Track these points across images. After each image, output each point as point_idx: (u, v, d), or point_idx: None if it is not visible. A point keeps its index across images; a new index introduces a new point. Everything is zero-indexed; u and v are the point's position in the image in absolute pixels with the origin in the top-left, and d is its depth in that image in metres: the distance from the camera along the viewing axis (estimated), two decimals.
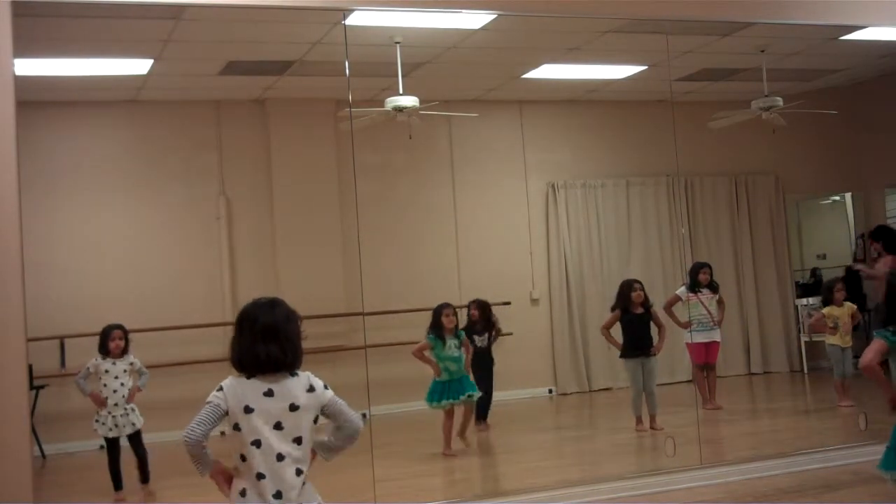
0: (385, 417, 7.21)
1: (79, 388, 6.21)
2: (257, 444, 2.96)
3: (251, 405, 2.97)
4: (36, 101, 7.11)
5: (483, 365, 7.85)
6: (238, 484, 3.01)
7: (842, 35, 7.66)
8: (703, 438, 6.46)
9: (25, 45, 4.98)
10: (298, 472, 2.99)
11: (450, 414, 7.12)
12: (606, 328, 7.73)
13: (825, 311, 7.96)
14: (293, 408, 2.99)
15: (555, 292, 9.96)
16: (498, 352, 8.29)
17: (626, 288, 7.67)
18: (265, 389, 2.98)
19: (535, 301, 9.89)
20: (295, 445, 2.99)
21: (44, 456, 7.42)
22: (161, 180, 8.80)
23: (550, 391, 9.84)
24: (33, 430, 5.47)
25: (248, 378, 3.01)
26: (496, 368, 8.15)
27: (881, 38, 7.52)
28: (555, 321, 9.93)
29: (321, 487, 3.18)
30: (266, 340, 3.00)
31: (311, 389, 3.03)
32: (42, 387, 7.31)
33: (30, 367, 5.01)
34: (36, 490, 4.78)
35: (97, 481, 6.57)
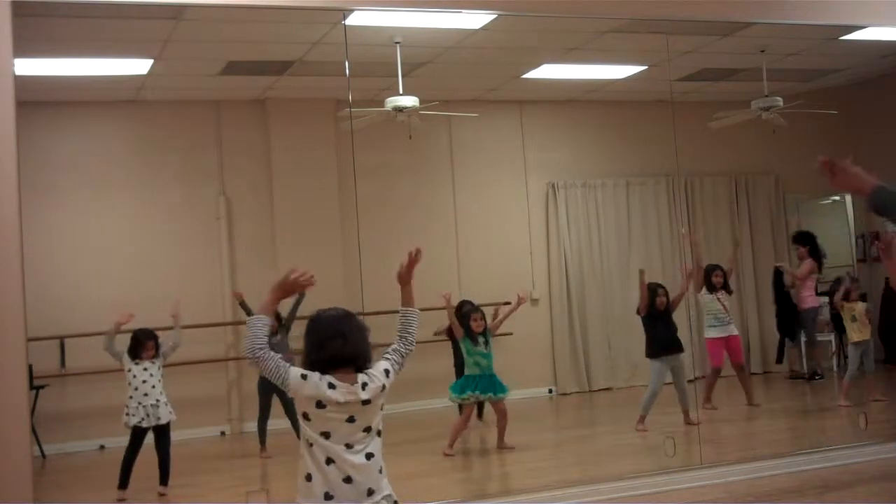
0: (385, 417, 7.19)
1: (108, 348, 6.30)
2: (326, 435, 3.02)
3: (323, 401, 3.03)
4: (36, 101, 7.11)
5: None
6: (303, 468, 3.05)
7: (842, 35, 7.66)
8: (703, 438, 6.46)
9: (25, 45, 4.98)
10: (369, 457, 3.05)
11: (467, 417, 7.15)
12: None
13: (846, 307, 7.98)
14: (365, 402, 3.07)
15: (555, 292, 9.96)
16: (498, 352, 8.28)
17: (652, 294, 7.67)
18: (342, 399, 3.04)
19: (535, 301, 9.88)
20: (364, 434, 3.06)
21: (44, 456, 7.42)
22: (161, 180, 8.80)
23: (550, 391, 9.85)
24: (33, 430, 5.46)
25: (323, 374, 3.07)
26: (494, 369, 8.14)
27: (881, 38, 7.52)
28: (555, 321, 9.94)
29: None
30: (336, 340, 3.11)
31: (369, 381, 3.11)
32: (42, 387, 7.31)
33: (30, 367, 5.01)
34: (36, 490, 4.78)
35: (97, 481, 6.58)
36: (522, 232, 9.92)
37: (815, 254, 9.02)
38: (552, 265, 10.01)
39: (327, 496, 2.98)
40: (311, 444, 3.04)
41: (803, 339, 9.63)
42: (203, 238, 8.88)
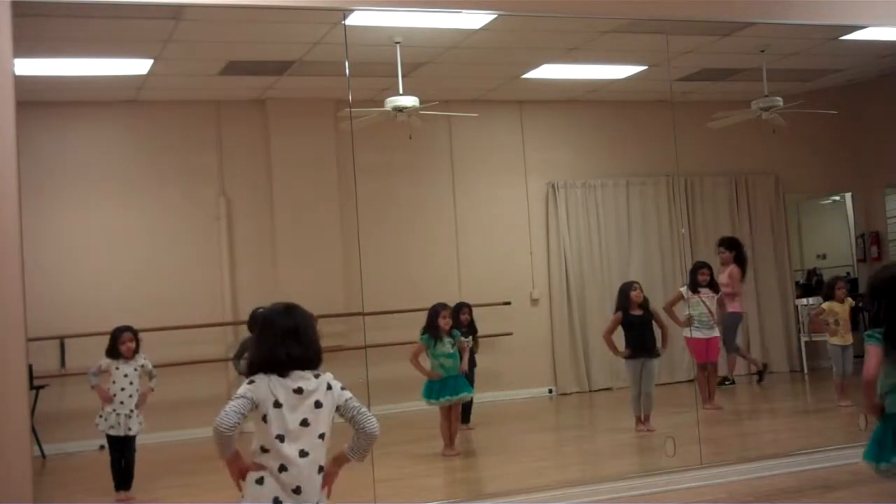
0: (385, 417, 7.14)
1: (90, 382, 6.20)
2: (281, 438, 3.05)
3: (280, 400, 3.06)
4: (36, 101, 7.11)
5: (469, 367, 7.85)
6: (255, 474, 3.08)
7: (842, 35, 7.66)
8: (703, 438, 6.46)
9: (25, 45, 4.98)
10: (320, 470, 3.10)
11: (446, 414, 7.12)
12: (609, 333, 7.63)
13: (825, 305, 7.97)
14: (318, 405, 3.10)
15: (555, 292, 9.96)
16: (498, 352, 8.30)
17: (626, 288, 7.66)
18: (295, 387, 3.08)
19: (535, 301, 9.89)
20: (319, 442, 3.09)
21: (44, 456, 7.42)
22: (161, 180, 8.80)
23: (550, 391, 9.84)
24: (33, 430, 5.46)
25: (279, 376, 3.09)
26: (494, 369, 8.16)
27: (881, 38, 7.52)
28: (555, 321, 9.94)
29: None
30: (287, 342, 3.10)
31: (329, 388, 3.14)
32: (42, 387, 7.30)
33: (30, 367, 5.01)
34: (36, 490, 4.78)
35: (97, 481, 6.57)
36: (522, 232, 9.92)
37: (740, 260, 8.97)
38: (552, 265, 10.01)
39: (276, 501, 3.03)
40: (266, 451, 3.06)
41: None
42: (203, 238, 8.88)
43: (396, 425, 7.97)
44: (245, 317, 7.64)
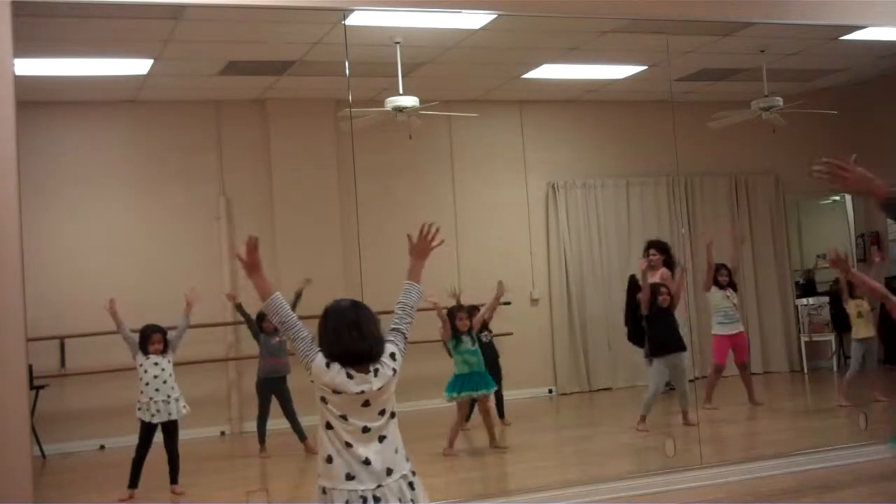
0: None
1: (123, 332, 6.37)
2: (344, 418, 3.11)
3: (339, 388, 3.11)
4: (36, 101, 7.11)
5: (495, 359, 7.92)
6: (323, 450, 3.14)
7: (842, 35, 7.66)
8: (703, 438, 6.46)
9: (25, 45, 4.99)
10: (382, 439, 3.15)
11: (462, 413, 7.15)
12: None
13: (852, 303, 7.95)
14: (378, 389, 3.16)
15: (555, 292, 9.96)
16: (498, 351, 8.29)
17: (653, 293, 7.66)
18: (357, 390, 3.13)
19: (535, 301, 9.89)
20: (379, 416, 3.16)
21: (44, 456, 7.41)
22: (161, 180, 8.80)
23: (550, 391, 9.84)
24: (33, 430, 5.46)
25: (341, 366, 3.14)
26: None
27: (881, 38, 7.52)
28: (555, 321, 9.93)
29: None
30: (351, 334, 3.18)
31: (394, 372, 3.23)
32: (42, 387, 7.30)
33: (30, 367, 5.01)
34: (36, 490, 4.78)
35: (97, 481, 6.57)
36: (522, 232, 9.92)
37: (669, 263, 8.95)
38: (552, 265, 10.01)
39: (348, 476, 3.08)
40: (329, 427, 3.13)
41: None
42: (203, 238, 8.88)
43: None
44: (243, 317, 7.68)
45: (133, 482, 6.22)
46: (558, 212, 10.04)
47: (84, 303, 7.95)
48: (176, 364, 7.07)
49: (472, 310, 7.87)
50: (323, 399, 3.14)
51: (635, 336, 9.01)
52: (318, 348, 3.18)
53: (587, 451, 7.60)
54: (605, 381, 9.83)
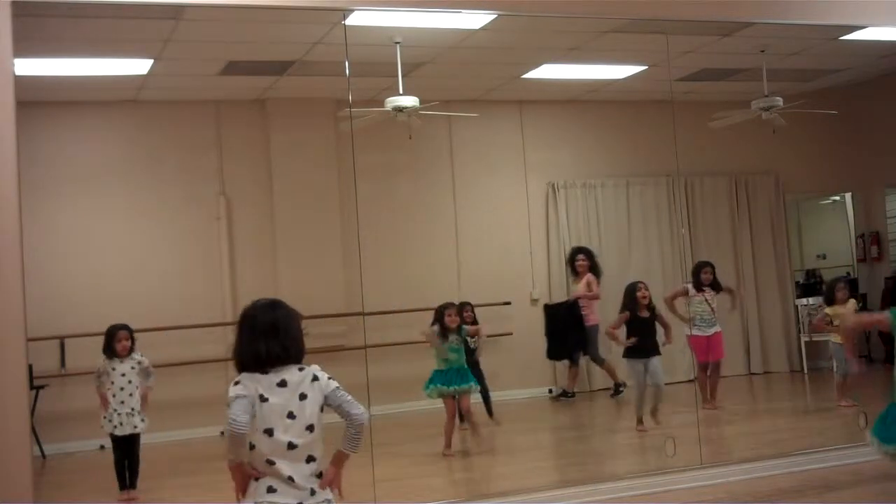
0: (385, 417, 7.20)
1: (94, 384, 6.24)
2: (270, 432, 3.06)
3: (265, 394, 3.07)
4: (36, 101, 7.12)
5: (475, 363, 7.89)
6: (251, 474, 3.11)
7: (842, 35, 7.66)
8: (703, 438, 6.46)
9: (25, 45, 4.98)
10: (309, 459, 3.10)
11: (451, 414, 7.13)
12: (614, 328, 7.68)
13: (828, 310, 7.95)
14: (302, 397, 3.11)
15: (555, 292, 9.96)
16: (498, 352, 8.30)
17: (632, 289, 7.66)
18: (278, 380, 3.10)
19: (535, 301, 9.88)
20: (307, 433, 3.10)
21: (44, 456, 7.42)
22: (161, 180, 8.80)
23: (550, 391, 9.84)
24: (33, 430, 5.47)
25: (262, 373, 3.11)
26: (494, 369, 8.17)
27: (881, 38, 7.52)
28: None
29: None
30: (267, 338, 3.11)
31: (315, 379, 3.15)
32: (42, 387, 7.31)
33: (30, 367, 5.01)
34: (36, 490, 4.78)
35: (97, 481, 6.57)
36: (522, 232, 9.92)
37: (595, 270, 8.92)
38: (552, 265, 10.01)
39: (270, 489, 3.05)
40: (253, 447, 3.08)
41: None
42: (203, 238, 8.88)
43: (396, 425, 7.99)
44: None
45: (122, 484, 6.22)
46: (558, 212, 10.04)
47: (84, 303, 7.97)
48: (176, 364, 7.09)
49: (464, 306, 7.85)
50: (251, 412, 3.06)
51: (554, 352, 9.05)
52: (232, 388, 3.09)
53: (587, 451, 7.60)
54: (604, 382, 9.81)
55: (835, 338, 7.96)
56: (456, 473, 6.82)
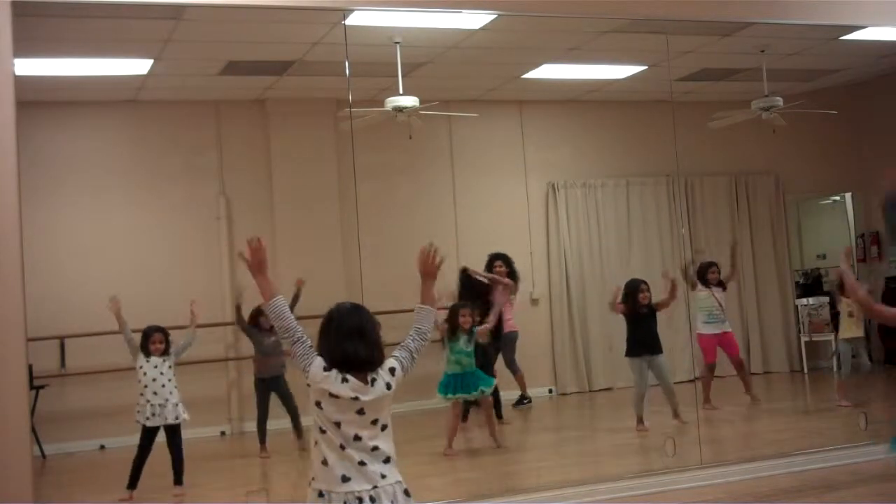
0: None
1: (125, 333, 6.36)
2: (337, 425, 3.12)
3: (335, 392, 3.12)
4: (36, 101, 7.11)
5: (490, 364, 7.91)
6: (318, 454, 3.15)
7: (842, 35, 7.66)
8: (703, 438, 6.46)
9: (25, 45, 4.99)
10: (374, 448, 3.14)
11: (456, 413, 7.14)
12: (614, 302, 7.71)
13: (844, 301, 7.93)
14: (372, 399, 3.16)
15: (555, 292, 9.96)
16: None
17: (634, 288, 7.67)
18: (352, 395, 3.13)
19: (535, 301, 9.88)
20: (372, 426, 3.16)
21: (44, 456, 7.41)
22: (161, 180, 8.80)
23: (550, 391, 9.84)
24: (33, 430, 5.46)
25: (340, 375, 3.15)
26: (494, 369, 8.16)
27: (881, 38, 7.52)
28: (555, 321, 9.94)
29: None
30: (353, 340, 3.18)
31: (388, 388, 3.21)
32: (42, 387, 7.30)
33: (30, 367, 5.01)
34: (36, 490, 4.78)
35: (97, 481, 6.57)
36: (522, 232, 9.91)
37: (513, 276, 8.87)
38: (552, 265, 10.01)
39: (344, 478, 3.09)
40: (323, 431, 3.13)
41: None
42: (203, 238, 8.87)
43: (397, 425, 7.98)
44: (246, 316, 7.68)
45: (132, 483, 6.20)
46: (558, 212, 10.04)
47: (84, 303, 7.96)
48: (176, 364, 7.08)
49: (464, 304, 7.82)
50: (318, 404, 3.14)
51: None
52: (317, 352, 3.19)
53: (587, 451, 7.60)
54: (604, 382, 9.83)
55: (845, 333, 7.92)
56: (456, 473, 6.82)
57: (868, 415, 6.85)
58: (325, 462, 3.11)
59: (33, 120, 6.80)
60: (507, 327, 8.57)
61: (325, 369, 3.14)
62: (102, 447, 6.48)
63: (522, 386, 8.95)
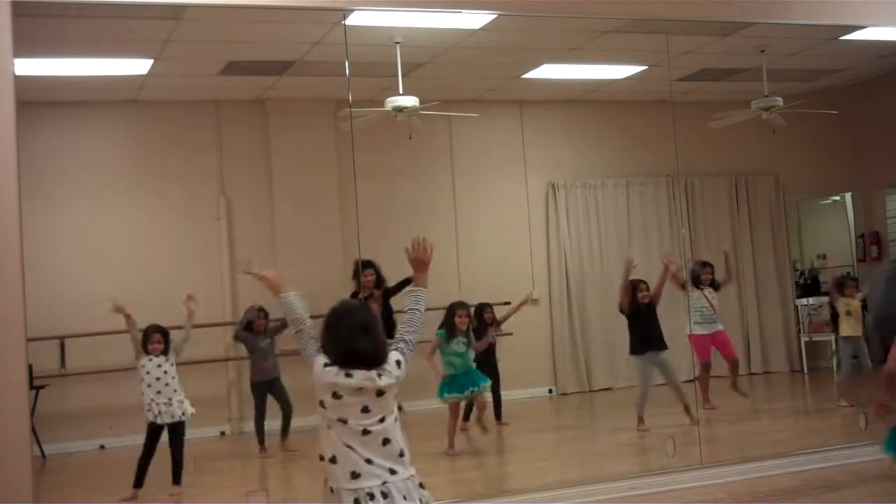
0: None
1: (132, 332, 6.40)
2: (343, 421, 3.14)
3: (340, 391, 3.14)
4: (36, 101, 7.11)
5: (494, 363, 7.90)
6: (327, 451, 3.16)
7: (842, 35, 7.66)
8: (703, 438, 6.46)
9: (25, 45, 4.98)
10: (385, 442, 3.16)
11: (454, 413, 7.13)
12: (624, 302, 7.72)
13: (842, 301, 7.94)
14: (379, 393, 3.17)
15: (555, 292, 9.96)
16: (498, 352, 8.29)
17: (634, 288, 7.67)
18: (357, 386, 3.15)
19: (535, 301, 9.88)
20: (379, 423, 3.17)
21: (44, 456, 7.41)
22: (161, 180, 8.80)
23: (550, 391, 9.84)
24: (33, 430, 5.46)
25: (345, 374, 3.16)
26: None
27: (881, 38, 7.52)
28: (555, 321, 9.93)
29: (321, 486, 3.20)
30: (361, 336, 3.21)
31: (398, 365, 3.25)
32: (42, 387, 7.30)
33: (30, 367, 5.01)
34: (36, 490, 4.78)
35: (97, 481, 6.57)
36: (522, 232, 9.92)
37: (379, 285, 8.78)
38: (552, 265, 10.01)
39: (354, 475, 3.10)
40: (329, 427, 3.16)
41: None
42: (203, 238, 8.88)
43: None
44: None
45: (138, 482, 6.21)
46: (558, 212, 10.04)
47: (84, 303, 7.96)
48: (176, 364, 7.08)
49: (484, 307, 7.84)
50: (322, 403, 3.16)
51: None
52: (319, 349, 3.22)
53: (587, 451, 7.60)
54: (604, 382, 9.83)
55: (844, 331, 7.92)
56: (456, 473, 6.82)
57: (868, 415, 6.84)
58: (333, 460, 3.13)
59: (33, 120, 6.78)
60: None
61: (325, 365, 3.16)
62: (102, 447, 6.48)
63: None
